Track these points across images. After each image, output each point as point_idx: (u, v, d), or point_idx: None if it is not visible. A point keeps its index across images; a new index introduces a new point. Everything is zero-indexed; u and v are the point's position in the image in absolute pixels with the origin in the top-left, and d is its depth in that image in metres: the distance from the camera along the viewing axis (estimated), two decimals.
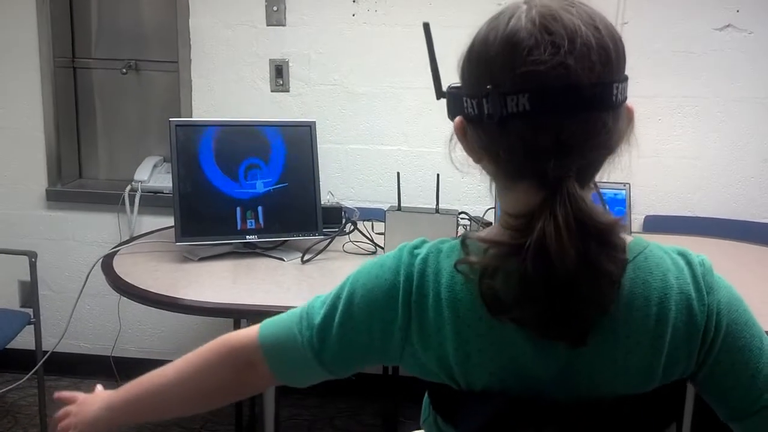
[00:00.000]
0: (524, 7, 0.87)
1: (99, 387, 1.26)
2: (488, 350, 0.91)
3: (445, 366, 0.94)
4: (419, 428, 1.10)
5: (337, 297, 1.00)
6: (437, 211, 2.33)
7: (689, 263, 0.93)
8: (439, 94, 0.96)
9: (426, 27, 1.00)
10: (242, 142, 2.47)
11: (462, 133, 0.93)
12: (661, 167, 3.03)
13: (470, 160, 0.95)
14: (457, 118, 0.93)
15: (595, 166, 0.90)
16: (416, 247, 0.98)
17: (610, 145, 0.88)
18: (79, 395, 1.23)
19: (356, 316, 0.98)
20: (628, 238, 0.92)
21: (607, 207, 0.94)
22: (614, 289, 0.86)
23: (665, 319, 0.89)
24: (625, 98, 0.89)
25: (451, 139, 0.95)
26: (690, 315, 0.90)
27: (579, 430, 0.91)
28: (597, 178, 0.92)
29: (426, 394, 1.05)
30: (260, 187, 2.47)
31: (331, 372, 1.02)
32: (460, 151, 0.95)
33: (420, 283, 0.94)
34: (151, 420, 1.16)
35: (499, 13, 0.89)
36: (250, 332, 1.06)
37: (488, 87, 0.85)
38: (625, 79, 0.88)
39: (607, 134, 0.86)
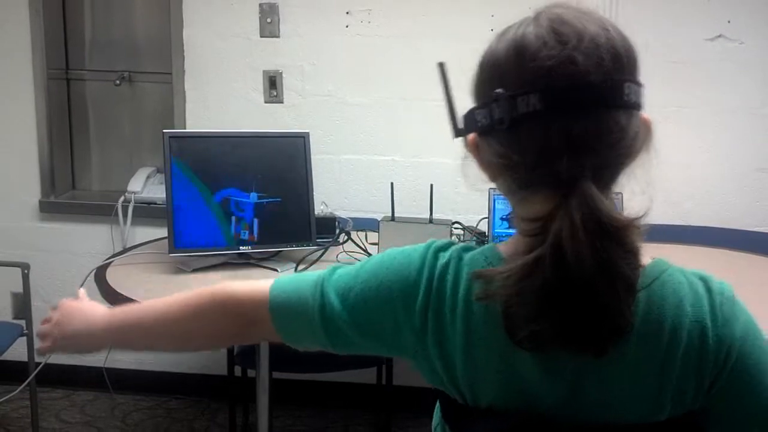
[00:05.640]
0: (533, 16, 0.88)
1: (82, 291, 1.25)
2: (496, 368, 0.90)
3: (452, 376, 0.93)
4: None
5: (355, 276, 0.98)
6: (431, 221, 2.34)
7: (709, 290, 0.90)
8: (457, 132, 0.94)
9: (441, 66, 0.97)
10: (236, 153, 2.47)
11: (475, 150, 0.91)
12: (653, 176, 3.03)
13: (485, 177, 0.93)
14: (470, 135, 0.91)
15: (612, 168, 0.88)
16: (442, 248, 0.96)
17: (624, 146, 0.86)
18: (79, 302, 1.21)
19: (371, 303, 0.96)
20: (646, 259, 0.90)
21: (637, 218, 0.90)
22: (632, 298, 0.84)
23: (676, 348, 0.87)
24: (640, 103, 0.88)
25: (464, 158, 0.93)
26: (702, 346, 0.87)
27: None
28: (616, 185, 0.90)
29: (438, 401, 1.03)
30: (254, 197, 2.47)
31: (335, 348, 1.00)
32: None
33: (439, 287, 0.93)
34: (132, 350, 1.16)
35: (509, 26, 0.90)
36: (257, 289, 1.03)
37: (497, 91, 0.85)
38: (639, 84, 0.88)
39: (621, 133, 0.85)
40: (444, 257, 0.94)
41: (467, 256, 0.94)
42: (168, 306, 1.09)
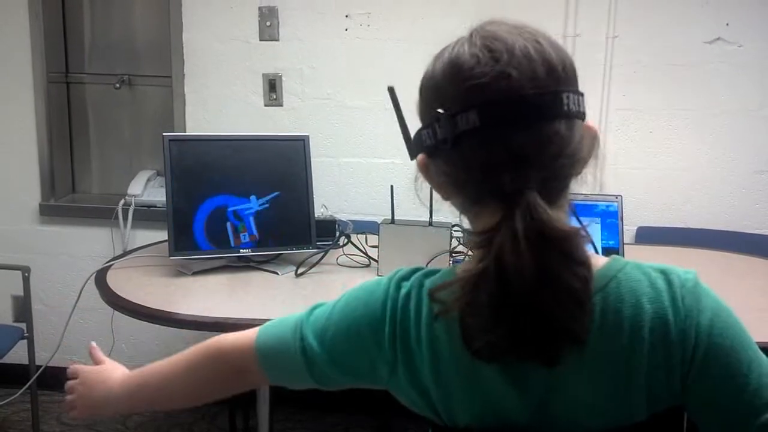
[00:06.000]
0: (467, 36, 0.89)
1: (93, 344, 1.30)
2: (467, 389, 0.91)
3: (428, 401, 0.95)
4: None
5: (329, 317, 1.01)
6: (431, 223, 2.34)
7: (669, 283, 0.88)
8: (412, 154, 0.95)
9: (391, 91, 1.00)
10: (235, 156, 2.48)
11: (425, 170, 0.93)
12: (652, 179, 3.05)
13: (439, 197, 0.94)
14: (419, 157, 0.93)
15: (558, 178, 0.88)
16: (404, 278, 0.98)
17: (568, 156, 0.86)
18: (96, 367, 1.26)
19: (344, 344, 0.99)
20: (602, 260, 0.91)
21: (584, 227, 0.89)
22: (583, 310, 0.83)
23: (639, 347, 0.86)
24: (582, 112, 0.88)
25: (416, 180, 0.95)
26: (666, 341, 0.86)
27: None
28: (569, 194, 0.90)
29: None
30: (254, 201, 2.47)
31: (321, 385, 1.04)
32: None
33: (402, 318, 0.94)
34: (152, 409, 1.23)
35: (445, 47, 0.91)
36: (244, 339, 1.07)
37: (438, 111, 0.87)
38: (579, 93, 0.88)
39: (562, 143, 0.85)
40: (406, 287, 0.96)
41: (428, 281, 0.96)
42: (173, 363, 1.15)
